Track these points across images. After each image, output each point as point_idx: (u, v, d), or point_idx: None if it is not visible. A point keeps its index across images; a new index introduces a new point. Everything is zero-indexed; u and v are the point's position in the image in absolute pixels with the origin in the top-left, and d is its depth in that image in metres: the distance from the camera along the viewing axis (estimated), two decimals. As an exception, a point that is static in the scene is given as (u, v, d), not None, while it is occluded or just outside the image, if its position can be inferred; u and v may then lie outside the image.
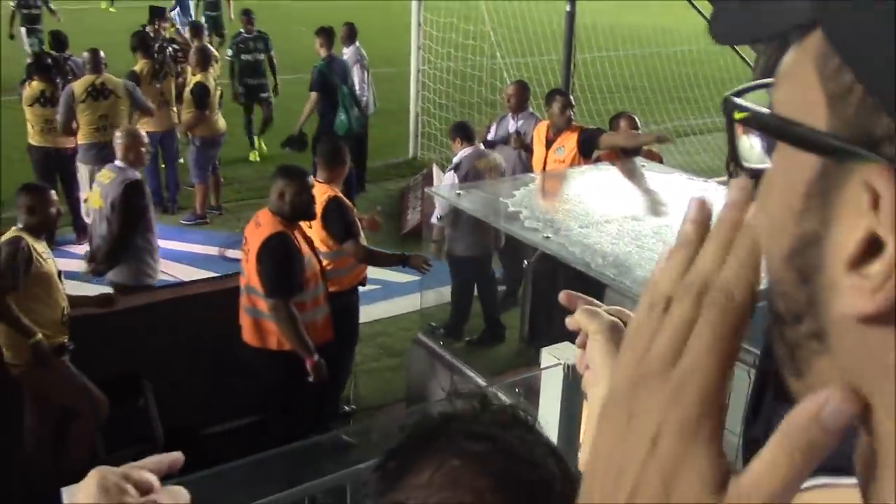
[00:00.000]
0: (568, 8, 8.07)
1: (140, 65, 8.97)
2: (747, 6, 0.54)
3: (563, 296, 1.14)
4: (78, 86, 7.84)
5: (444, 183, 6.50)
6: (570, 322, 1.08)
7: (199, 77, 8.86)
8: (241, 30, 11.24)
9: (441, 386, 4.90)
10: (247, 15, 11.30)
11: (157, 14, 11.43)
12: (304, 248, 4.68)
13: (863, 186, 0.45)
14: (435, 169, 9.31)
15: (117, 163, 5.73)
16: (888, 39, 0.43)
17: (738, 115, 0.54)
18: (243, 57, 10.95)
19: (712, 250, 0.53)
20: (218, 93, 9.20)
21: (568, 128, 6.57)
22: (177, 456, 1.09)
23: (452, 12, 11.26)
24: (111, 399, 4.85)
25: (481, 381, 4.60)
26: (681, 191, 5.02)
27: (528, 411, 0.99)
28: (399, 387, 5.90)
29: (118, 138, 5.85)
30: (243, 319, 4.77)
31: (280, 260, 4.51)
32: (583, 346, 1.08)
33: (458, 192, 4.79)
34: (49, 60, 8.43)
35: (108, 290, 5.48)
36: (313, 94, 9.19)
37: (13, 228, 4.66)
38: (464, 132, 6.72)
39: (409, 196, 9.56)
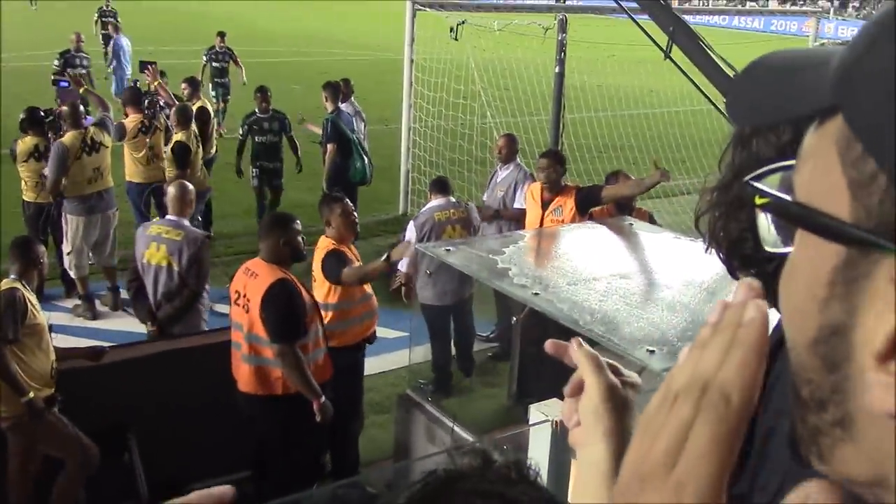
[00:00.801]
0: (557, 69, 8.24)
1: (130, 119, 9.08)
2: (767, 87, 0.54)
3: (549, 345, 1.12)
4: (70, 142, 7.72)
5: (406, 235, 6.59)
6: (574, 352, 1.06)
7: (179, 135, 8.82)
8: (256, 109, 10.32)
9: (430, 442, 4.89)
10: (262, 93, 10.39)
11: (146, 67, 11.47)
12: (303, 290, 4.80)
13: (890, 280, 0.44)
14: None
15: (171, 217, 5.82)
16: None
17: (759, 201, 0.53)
18: (258, 139, 10.25)
19: (714, 350, 0.53)
20: (200, 151, 9.26)
21: (563, 190, 6.66)
22: (225, 490, 0.97)
23: (443, 72, 11.45)
24: (96, 453, 4.83)
25: (469, 438, 4.59)
26: (669, 250, 5.08)
27: (529, 465, 0.99)
28: (385, 443, 5.87)
29: (171, 193, 5.92)
30: (241, 370, 4.78)
31: (285, 305, 4.61)
32: (571, 395, 1.06)
33: (447, 248, 4.84)
34: (41, 114, 8.41)
35: (97, 343, 5.47)
36: (331, 146, 9.47)
37: (7, 280, 4.68)
38: (438, 186, 6.96)
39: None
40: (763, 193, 0.53)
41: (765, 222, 0.61)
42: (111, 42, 17.93)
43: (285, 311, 4.62)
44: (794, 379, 0.54)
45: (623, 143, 14.78)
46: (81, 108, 8.19)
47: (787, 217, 0.53)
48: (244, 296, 4.72)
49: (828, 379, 0.50)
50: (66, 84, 8.99)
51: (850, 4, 55.64)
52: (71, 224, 7.93)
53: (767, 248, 0.59)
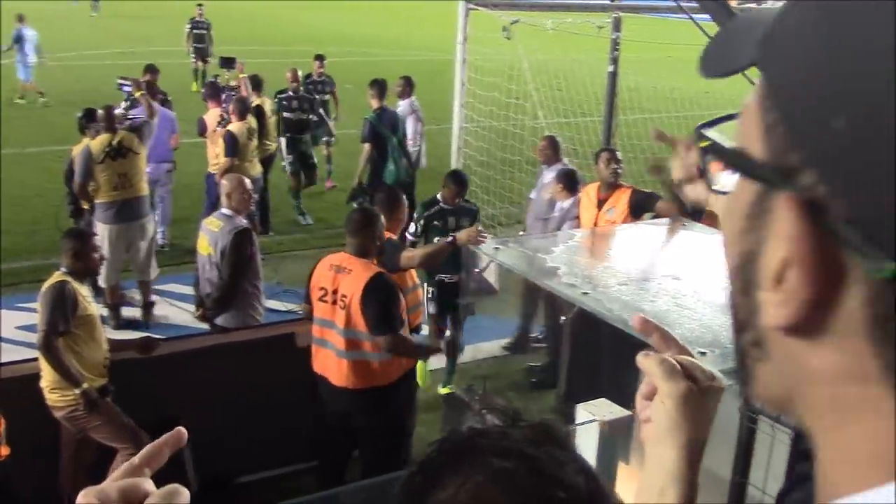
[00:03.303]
0: (610, 69, 8.14)
1: (210, 113, 9.68)
2: (722, 48, 0.64)
3: (637, 320, 1.13)
4: (95, 146, 7.65)
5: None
6: (641, 362, 1.06)
7: (234, 126, 9.20)
8: (294, 86, 11.39)
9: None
10: (319, 59, 12.18)
11: (227, 63, 11.81)
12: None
13: (786, 212, 0.51)
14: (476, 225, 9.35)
15: (223, 210, 5.90)
16: (807, 78, 0.50)
17: (702, 143, 0.63)
18: (286, 115, 11.12)
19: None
20: (253, 142, 9.47)
21: (618, 187, 6.60)
22: (176, 433, 0.97)
23: (496, 72, 11.40)
24: (147, 444, 4.89)
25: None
26: (721, 251, 4.99)
27: (561, 428, 0.97)
28: (432, 440, 5.85)
29: (224, 186, 5.99)
30: (338, 365, 4.80)
31: (387, 297, 4.71)
32: (646, 397, 1.06)
33: (496, 246, 4.80)
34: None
35: (148, 334, 5.56)
36: (366, 146, 9.50)
37: (57, 273, 4.77)
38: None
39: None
40: (706, 137, 0.63)
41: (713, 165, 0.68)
42: (15, 32, 18.56)
43: (387, 304, 4.69)
44: (729, 309, 0.62)
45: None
46: (117, 110, 8.05)
47: (717, 156, 0.61)
48: (335, 292, 4.73)
49: (744, 301, 0.57)
50: (128, 87, 9.06)
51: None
52: (98, 231, 7.67)
53: (714, 188, 0.66)
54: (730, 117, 0.66)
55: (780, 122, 0.52)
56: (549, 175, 7.72)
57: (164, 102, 10.06)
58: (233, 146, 9.04)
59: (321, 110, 12.17)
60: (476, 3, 10.64)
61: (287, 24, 36.36)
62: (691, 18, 6.52)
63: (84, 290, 4.79)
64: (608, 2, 9.45)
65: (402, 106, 10.50)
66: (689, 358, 1.07)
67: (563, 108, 12.30)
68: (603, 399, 3.03)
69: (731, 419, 3.05)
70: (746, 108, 0.58)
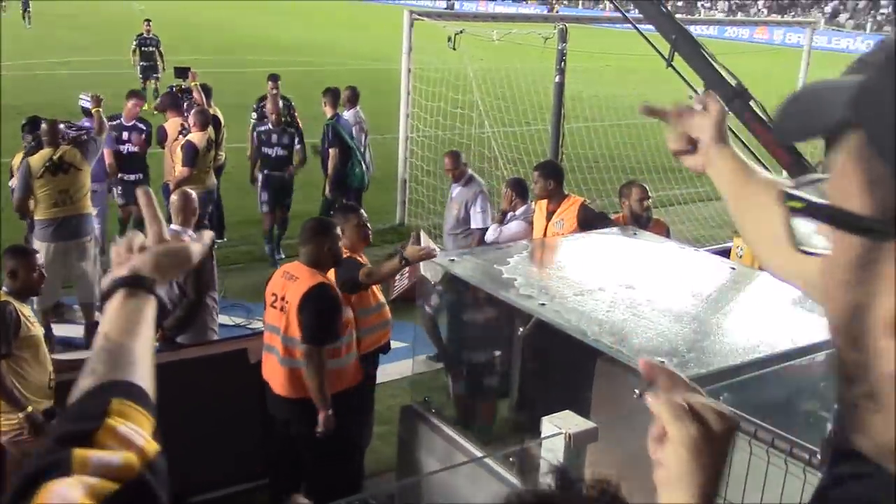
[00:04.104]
0: (557, 79, 8.22)
1: (171, 122, 9.53)
2: (804, 110, 0.66)
3: (643, 365, 1.10)
4: (34, 160, 7.33)
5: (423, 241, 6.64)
6: (651, 404, 1.04)
7: (195, 136, 9.08)
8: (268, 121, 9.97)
9: (434, 456, 4.83)
10: (273, 79, 10.36)
11: (182, 73, 11.60)
12: (342, 296, 4.87)
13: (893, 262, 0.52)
14: (423, 235, 9.34)
15: (173, 226, 5.77)
16: None
17: (792, 205, 0.64)
18: (265, 150, 9.87)
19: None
20: (211, 153, 9.37)
21: (565, 201, 6.64)
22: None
23: (441, 82, 11.44)
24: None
25: (475, 451, 4.54)
26: (673, 260, 5.05)
27: (609, 481, 0.97)
28: (387, 455, 5.81)
29: (173, 203, 5.84)
30: (277, 372, 4.81)
31: (325, 308, 4.69)
32: (657, 440, 1.03)
33: (451, 258, 4.79)
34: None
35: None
36: (333, 151, 9.47)
37: (-2, 293, 4.62)
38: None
39: (397, 262, 9.55)
40: (797, 198, 0.64)
41: (799, 225, 0.68)
42: None
43: (322, 314, 4.68)
44: (833, 361, 0.62)
45: (620, 153, 14.77)
46: (61, 125, 7.67)
47: (817, 216, 0.62)
48: (282, 298, 4.76)
49: (854, 355, 0.58)
50: (87, 103, 8.65)
51: (841, 14, 55.90)
52: (39, 250, 7.13)
53: (802, 249, 0.67)
54: (816, 181, 0.67)
55: (889, 176, 0.54)
56: (456, 190, 7.84)
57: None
58: (192, 156, 8.92)
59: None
60: (420, 13, 10.66)
61: (225, 33, 35.96)
62: (636, 28, 6.61)
63: (27, 311, 4.65)
64: (548, 12, 9.54)
65: (346, 116, 10.48)
66: (700, 398, 1.04)
67: (508, 117, 12.39)
68: (567, 411, 3.03)
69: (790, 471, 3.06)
70: (836, 167, 0.60)
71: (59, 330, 7.73)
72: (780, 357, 3.70)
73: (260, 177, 9.96)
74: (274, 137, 9.76)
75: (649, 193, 6.75)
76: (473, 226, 7.65)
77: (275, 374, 4.84)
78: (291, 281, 4.78)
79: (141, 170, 9.49)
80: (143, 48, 19.16)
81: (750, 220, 1.39)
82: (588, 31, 13.98)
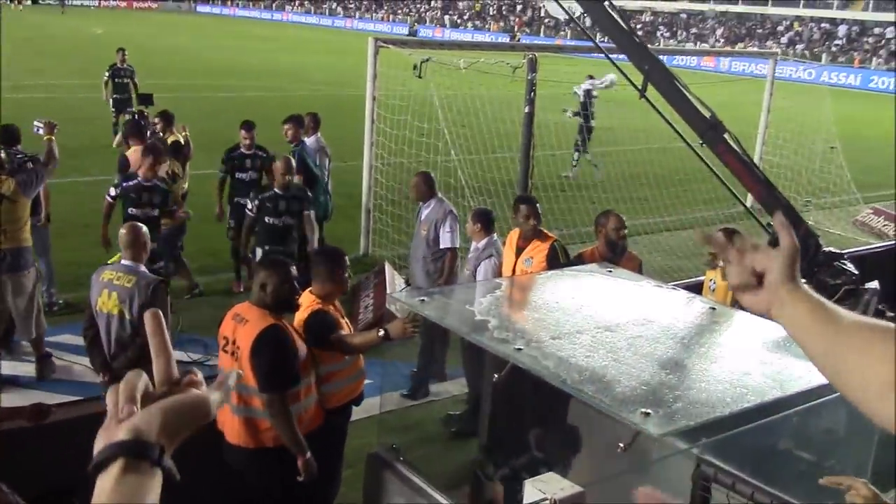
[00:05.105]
0: (527, 109, 8.09)
1: (132, 150, 9.03)
2: None
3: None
4: None
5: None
6: (778, 219, 1.21)
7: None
8: (240, 145, 9.65)
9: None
10: (247, 128, 9.66)
11: (145, 100, 11.17)
12: (296, 337, 4.59)
13: None
14: (387, 266, 9.10)
15: (125, 262, 5.49)
16: None
17: None
18: (239, 175, 9.62)
19: None
20: (177, 185, 9.06)
21: (537, 238, 6.48)
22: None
23: (406, 109, 11.26)
24: (38, 523, 4.42)
25: (440, 498, 4.28)
26: (650, 299, 4.87)
27: None
28: (352, 499, 5.54)
29: (122, 237, 5.53)
30: (230, 421, 4.53)
31: (277, 353, 4.41)
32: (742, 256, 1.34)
33: (421, 298, 4.56)
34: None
35: (39, 399, 5.09)
36: (296, 178, 9.14)
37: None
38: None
39: (361, 294, 9.30)
40: None
41: None
42: None
43: (276, 360, 4.40)
44: None
45: (586, 182, 14.69)
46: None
47: None
48: (233, 342, 4.49)
49: None
50: (41, 130, 8.11)
51: (796, 46, 56.97)
52: None
53: None
54: None
55: None
56: (425, 211, 7.65)
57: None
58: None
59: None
60: (385, 40, 10.49)
61: (187, 59, 35.57)
62: (609, 59, 6.48)
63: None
64: (510, 40, 9.42)
65: (309, 142, 10.24)
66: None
67: (474, 145, 12.24)
68: (551, 473, 2.80)
69: (683, 486, 2.86)
70: None
71: (7, 368, 7.37)
72: (770, 406, 3.51)
73: (229, 208, 9.63)
74: (248, 161, 9.56)
75: (538, 210, 6.68)
76: (443, 245, 7.41)
77: (228, 423, 4.55)
78: (241, 324, 4.49)
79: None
80: (115, 80, 17.45)
81: (850, 368, 1.21)
82: (555, 58, 13.91)
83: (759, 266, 1.32)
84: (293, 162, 8.36)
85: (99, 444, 1.01)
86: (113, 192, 7.99)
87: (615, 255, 6.39)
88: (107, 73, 17.54)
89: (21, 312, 7.24)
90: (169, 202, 7.96)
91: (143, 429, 1.02)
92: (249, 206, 8.02)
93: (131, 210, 7.72)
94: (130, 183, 7.89)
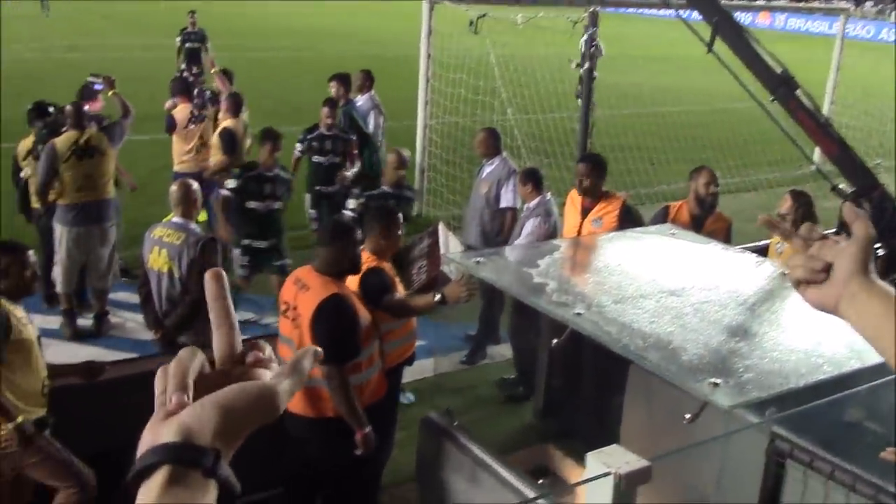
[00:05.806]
0: (587, 65, 7.82)
1: (180, 109, 9.05)
2: None
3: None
4: (60, 144, 7.10)
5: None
6: (848, 208, 1.20)
7: (228, 122, 8.74)
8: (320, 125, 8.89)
9: (454, 468, 4.48)
10: (330, 107, 8.91)
11: (194, 58, 11.10)
12: (360, 306, 4.47)
13: None
14: (441, 227, 8.95)
15: (175, 219, 5.48)
16: None
17: None
18: (316, 159, 8.87)
19: None
20: (248, 140, 8.99)
21: (605, 197, 6.24)
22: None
23: (462, 68, 11.03)
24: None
25: (500, 469, 4.15)
26: (716, 262, 4.65)
27: None
28: (404, 465, 5.46)
29: (173, 193, 5.54)
30: None
31: (339, 323, 4.30)
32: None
33: (477, 259, 4.41)
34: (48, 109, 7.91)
35: (93, 357, 5.06)
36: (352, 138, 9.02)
37: (-13, 294, 4.26)
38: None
39: (415, 255, 9.17)
40: None
41: None
42: None
43: (338, 331, 4.28)
44: None
45: (645, 142, 14.34)
46: (85, 107, 7.47)
47: None
48: (294, 308, 4.39)
49: None
50: (99, 85, 8.27)
51: (867, 3, 54.92)
52: (57, 233, 7.32)
53: None
54: None
55: None
56: (488, 168, 7.44)
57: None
58: (231, 144, 8.53)
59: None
60: (441, -4, 10.26)
61: (233, 18, 35.54)
62: (679, 17, 6.18)
63: (19, 312, 4.29)
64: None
65: (361, 101, 10.07)
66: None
67: (531, 104, 11.97)
68: (615, 446, 2.65)
69: (754, 463, 2.69)
70: None
71: (57, 323, 7.47)
72: (848, 378, 3.30)
73: (308, 197, 9.09)
74: (328, 143, 8.80)
75: (717, 181, 6.37)
76: (503, 204, 7.21)
77: None
78: (303, 291, 4.37)
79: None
80: (187, 44, 16.30)
81: None
82: (609, 19, 13.56)
83: (828, 257, 1.17)
84: (406, 155, 7.48)
85: (144, 445, 0.81)
86: (232, 184, 7.38)
87: (703, 211, 6.17)
88: (178, 39, 16.64)
89: (101, 261, 7.42)
90: (290, 194, 7.69)
91: (194, 429, 0.81)
92: (353, 205, 7.00)
93: (251, 204, 7.29)
94: (251, 173, 7.33)
